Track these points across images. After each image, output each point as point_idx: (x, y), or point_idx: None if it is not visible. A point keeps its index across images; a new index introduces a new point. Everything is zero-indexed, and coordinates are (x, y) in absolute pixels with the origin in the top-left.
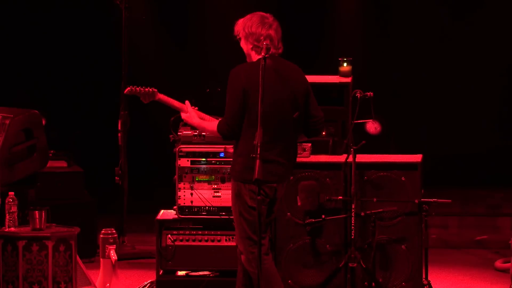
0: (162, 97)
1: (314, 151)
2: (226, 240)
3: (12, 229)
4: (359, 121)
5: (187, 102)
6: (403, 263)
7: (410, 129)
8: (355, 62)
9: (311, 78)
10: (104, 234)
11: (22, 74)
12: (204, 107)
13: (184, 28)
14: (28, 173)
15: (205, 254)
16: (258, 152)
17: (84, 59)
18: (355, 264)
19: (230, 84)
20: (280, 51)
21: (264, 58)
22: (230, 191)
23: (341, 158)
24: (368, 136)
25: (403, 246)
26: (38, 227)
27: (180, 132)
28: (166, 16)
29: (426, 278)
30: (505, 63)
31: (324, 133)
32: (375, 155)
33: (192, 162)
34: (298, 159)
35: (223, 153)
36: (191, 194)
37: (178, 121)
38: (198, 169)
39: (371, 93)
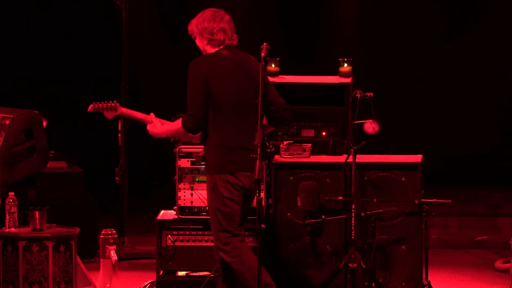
0: (124, 110)
1: (314, 152)
2: None
3: (12, 229)
4: (359, 121)
5: (151, 114)
6: (403, 264)
7: (410, 129)
8: (355, 63)
9: (311, 79)
10: (104, 234)
11: (22, 74)
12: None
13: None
14: (28, 173)
15: (205, 254)
16: (259, 153)
17: (84, 58)
18: (355, 265)
19: (191, 76)
20: (235, 42)
21: (265, 58)
22: None
23: (341, 158)
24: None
25: (403, 247)
26: (38, 227)
27: None
28: (166, 16)
29: (426, 278)
30: (506, 63)
31: (324, 133)
32: (375, 155)
33: (192, 163)
34: (298, 159)
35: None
36: (191, 194)
37: None
38: (198, 169)
39: (371, 94)
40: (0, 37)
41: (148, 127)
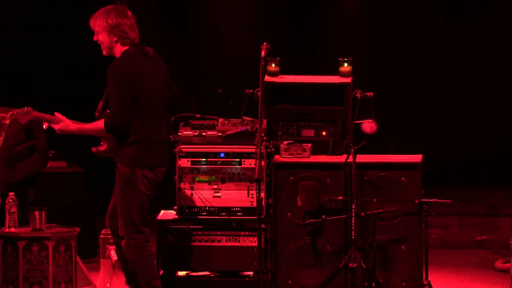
0: (36, 114)
1: (314, 151)
2: (226, 240)
3: (12, 229)
4: (359, 121)
5: (56, 113)
6: (403, 263)
7: (410, 129)
8: (355, 62)
9: (311, 78)
10: (104, 234)
11: (22, 74)
12: (204, 108)
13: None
14: (28, 173)
15: (205, 254)
16: (259, 153)
17: (84, 58)
18: (355, 264)
19: (116, 79)
20: (138, 39)
21: (265, 58)
22: (230, 192)
23: (341, 158)
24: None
25: (403, 246)
26: (38, 227)
27: (180, 132)
28: (166, 16)
29: (426, 278)
30: (506, 63)
31: (324, 133)
32: (375, 155)
33: (192, 163)
34: (298, 159)
35: (223, 154)
36: (191, 194)
37: (178, 121)
38: (198, 169)
39: (371, 93)
40: (0, 37)
41: (57, 127)
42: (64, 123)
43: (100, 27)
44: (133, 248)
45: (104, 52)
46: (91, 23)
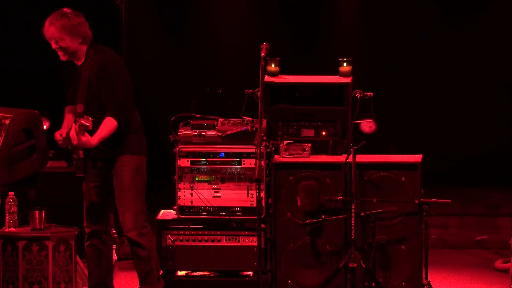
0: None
1: (314, 151)
2: (226, 240)
3: (12, 229)
4: (359, 121)
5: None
6: (403, 263)
7: (410, 129)
8: (355, 62)
9: (311, 78)
10: None
11: (22, 74)
12: (204, 108)
13: (184, 28)
14: (28, 173)
15: (205, 254)
16: (259, 153)
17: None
18: (355, 264)
19: (122, 71)
20: None
21: (265, 58)
22: (230, 191)
23: (341, 158)
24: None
25: (403, 246)
26: (38, 227)
27: (180, 132)
28: (166, 16)
29: (426, 278)
30: (506, 63)
31: (324, 133)
32: (375, 155)
33: (192, 162)
34: (298, 159)
35: (223, 153)
36: (191, 194)
37: (178, 121)
38: (198, 169)
39: (371, 93)
40: (0, 37)
41: (82, 141)
42: (88, 141)
43: (66, 32)
44: (147, 235)
45: (66, 58)
46: (49, 32)
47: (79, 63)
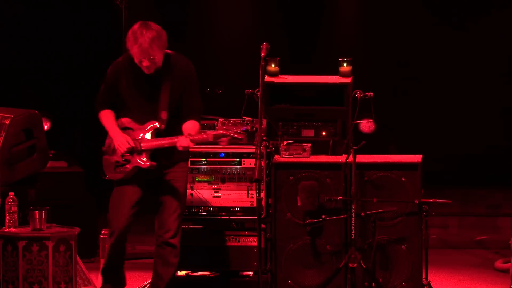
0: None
1: (314, 151)
2: (226, 240)
3: (12, 229)
4: (359, 121)
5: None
6: (403, 263)
7: (410, 129)
8: (355, 62)
9: (311, 78)
10: (104, 234)
11: (22, 74)
12: (204, 108)
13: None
14: (28, 173)
15: (205, 254)
16: (259, 153)
17: (84, 58)
18: (355, 264)
19: (196, 78)
20: None
21: (265, 58)
22: (230, 192)
23: (341, 158)
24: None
25: (403, 246)
26: (38, 227)
27: None
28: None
29: (426, 278)
30: (506, 63)
31: (324, 133)
32: (375, 155)
33: (192, 163)
34: (298, 159)
35: (223, 154)
36: (191, 194)
37: None
38: (198, 169)
39: (371, 93)
40: (0, 37)
41: (179, 144)
42: (181, 139)
43: (162, 50)
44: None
45: (152, 70)
46: (150, 52)
47: (151, 71)
